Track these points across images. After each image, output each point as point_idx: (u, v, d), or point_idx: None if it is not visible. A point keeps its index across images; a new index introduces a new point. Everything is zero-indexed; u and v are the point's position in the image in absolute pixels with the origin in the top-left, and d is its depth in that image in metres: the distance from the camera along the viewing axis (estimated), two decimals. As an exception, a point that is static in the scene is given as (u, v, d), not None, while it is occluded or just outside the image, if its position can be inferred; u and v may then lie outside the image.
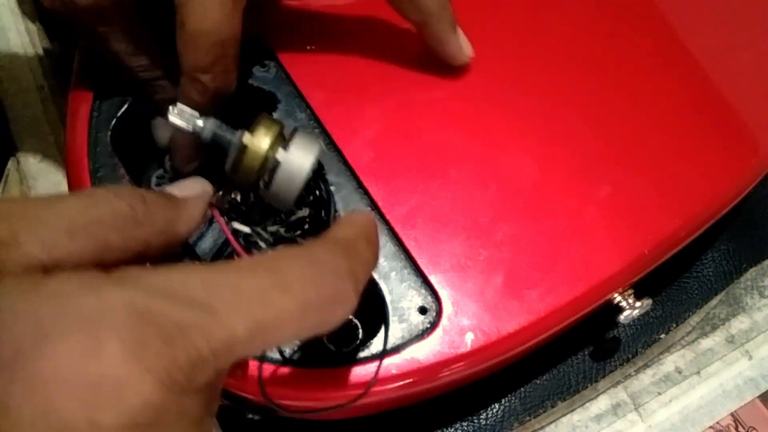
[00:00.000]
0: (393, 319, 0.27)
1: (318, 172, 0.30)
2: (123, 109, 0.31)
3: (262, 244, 0.27)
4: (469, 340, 0.27)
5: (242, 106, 0.30)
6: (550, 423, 0.38)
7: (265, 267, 0.18)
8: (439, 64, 0.33)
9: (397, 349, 0.27)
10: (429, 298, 0.28)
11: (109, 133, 0.30)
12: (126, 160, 0.30)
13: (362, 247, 0.21)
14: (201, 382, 0.16)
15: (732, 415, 0.40)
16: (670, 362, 0.40)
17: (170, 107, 0.25)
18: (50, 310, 0.15)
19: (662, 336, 0.39)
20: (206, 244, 0.28)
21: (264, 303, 0.17)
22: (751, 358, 0.41)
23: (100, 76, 0.31)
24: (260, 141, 0.24)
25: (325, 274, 0.19)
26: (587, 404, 0.39)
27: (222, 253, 0.29)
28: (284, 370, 0.26)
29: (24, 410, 0.14)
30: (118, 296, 0.16)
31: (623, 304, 0.31)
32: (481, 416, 0.36)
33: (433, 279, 0.28)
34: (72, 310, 0.15)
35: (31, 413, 0.14)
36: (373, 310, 0.28)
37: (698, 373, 0.40)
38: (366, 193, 0.30)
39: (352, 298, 0.19)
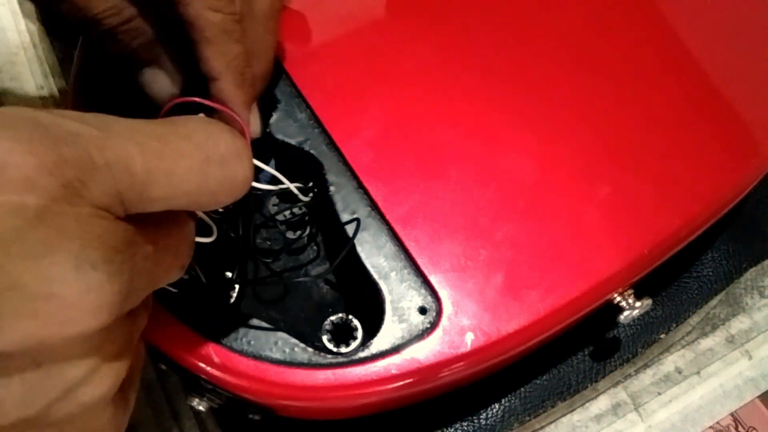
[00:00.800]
0: (393, 319, 0.27)
1: (318, 172, 0.31)
2: (123, 110, 0.31)
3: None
4: (469, 340, 0.27)
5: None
6: (550, 423, 0.38)
7: (165, 120, 0.20)
8: (439, 64, 0.33)
9: (397, 349, 0.27)
10: (429, 298, 0.28)
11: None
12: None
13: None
14: (97, 194, 0.16)
15: (732, 415, 0.40)
16: (670, 362, 0.40)
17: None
18: None
19: (662, 336, 0.39)
20: None
21: (162, 141, 0.18)
22: (751, 358, 0.41)
23: (101, 76, 0.31)
24: None
25: (225, 133, 0.21)
26: (587, 404, 0.39)
27: None
28: (284, 369, 0.26)
29: None
30: (14, 110, 0.16)
31: (623, 304, 0.31)
32: (481, 416, 0.36)
33: (433, 279, 0.28)
34: None
35: None
36: (373, 310, 0.28)
37: (698, 373, 0.40)
38: (366, 193, 0.30)
39: (250, 155, 0.21)
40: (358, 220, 0.29)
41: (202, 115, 0.24)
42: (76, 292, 0.16)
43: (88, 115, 0.18)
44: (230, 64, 0.25)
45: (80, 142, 0.16)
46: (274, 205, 0.32)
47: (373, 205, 0.29)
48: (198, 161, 0.19)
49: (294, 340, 0.27)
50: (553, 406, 0.37)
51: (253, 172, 0.21)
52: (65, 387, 0.17)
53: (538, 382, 0.37)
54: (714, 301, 0.41)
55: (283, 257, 0.32)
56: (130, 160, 0.17)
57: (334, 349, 0.27)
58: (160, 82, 0.26)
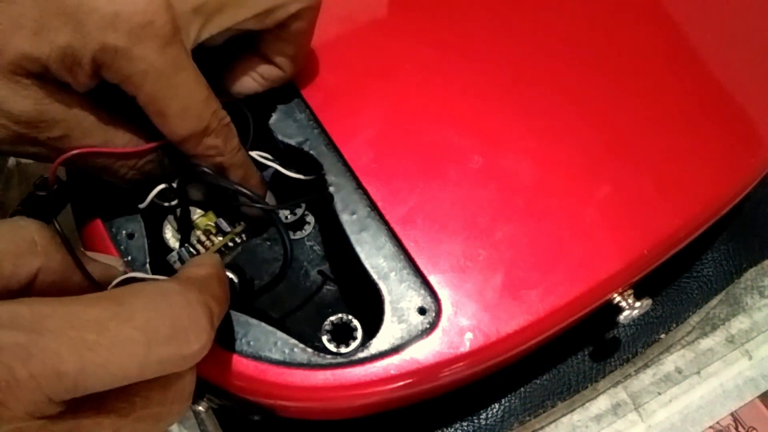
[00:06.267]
0: (393, 320, 0.27)
1: (317, 172, 0.31)
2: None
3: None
4: (469, 341, 0.27)
5: (243, 107, 0.30)
6: (550, 423, 0.38)
7: (108, 299, 0.19)
8: (438, 64, 0.33)
9: (397, 349, 0.27)
10: (428, 298, 0.28)
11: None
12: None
13: (214, 284, 0.22)
14: (20, 408, 0.16)
15: (732, 415, 0.39)
16: (670, 362, 0.40)
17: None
18: None
19: (662, 336, 0.39)
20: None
21: (99, 331, 0.17)
22: (751, 358, 0.41)
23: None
24: None
25: (175, 305, 0.19)
26: (587, 404, 0.39)
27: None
28: (283, 369, 0.26)
29: None
30: None
31: (623, 304, 0.31)
32: (481, 416, 0.36)
33: (433, 279, 0.28)
34: None
35: None
36: (372, 310, 0.28)
37: (698, 373, 0.40)
38: (366, 193, 0.30)
39: (207, 329, 0.20)
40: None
41: (158, 282, 0.23)
42: None
43: (22, 308, 0.17)
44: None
45: (3, 358, 0.16)
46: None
47: (373, 206, 0.29)
48: (140, 346, 0.18)
49: (294, 341, 0.27)
50: (553, 406, 0.37)
51: (208, 340, 0.20)
52: None
53: (538, 382, 0.37)
54: (714, 301, 0.41)
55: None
56: (59, 362, 0.17)
57: (334, 350, 0.27)
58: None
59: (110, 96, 0.24)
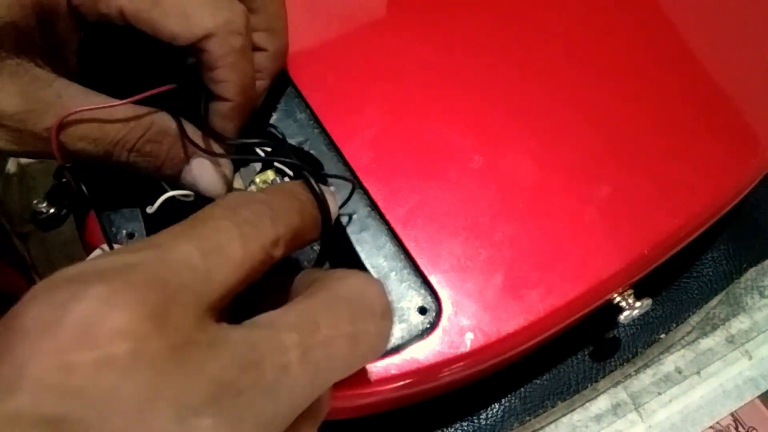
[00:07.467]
0: (393, 320, 0.27)
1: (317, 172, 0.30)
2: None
3: None
4: (469, 340, 0.27)
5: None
6: (550, 423, 0.38)
7: (192, 219, 0.20)
8: (439, 64, 0.33)
9: (397, 349, 0.27)
10: (429, 298, 0.28)
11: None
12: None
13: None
14: (180, 316, 0.16)
15: (732, 415, 0.40)
16: (670, 362, 0.40)
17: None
18: None
19: (662, 336, 0.39)
20: None
21: (196, 226, 0.19)
22: (751, 358, 0.41)
23: (99, 76, 0.31)
24: None
25: (293, 187, 0.23)
26: (587, 404, 0.39)
27: None
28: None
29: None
30: (87, 266, 0.16)
31: (623, 304, 0.31)
32: (481, 416, 0.36)
33: (433, 279, 0.28)
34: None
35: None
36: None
37: (698, 373, 0.40)
38: (366, 193, 0.30)
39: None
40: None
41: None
42: None
43: (142, 242, 0.18)
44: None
45: (146, 269, 0.16)
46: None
47: (373, 205, 0.29)
48: (234, 227, 0.19)
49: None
50: (553, 406, 0.37)
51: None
52: None
53: (538, 382, 0.37)
54: (714, 301, 0.41)
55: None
56: (189, 258, 0.17)
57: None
58: (207, 174, 0.26)
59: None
